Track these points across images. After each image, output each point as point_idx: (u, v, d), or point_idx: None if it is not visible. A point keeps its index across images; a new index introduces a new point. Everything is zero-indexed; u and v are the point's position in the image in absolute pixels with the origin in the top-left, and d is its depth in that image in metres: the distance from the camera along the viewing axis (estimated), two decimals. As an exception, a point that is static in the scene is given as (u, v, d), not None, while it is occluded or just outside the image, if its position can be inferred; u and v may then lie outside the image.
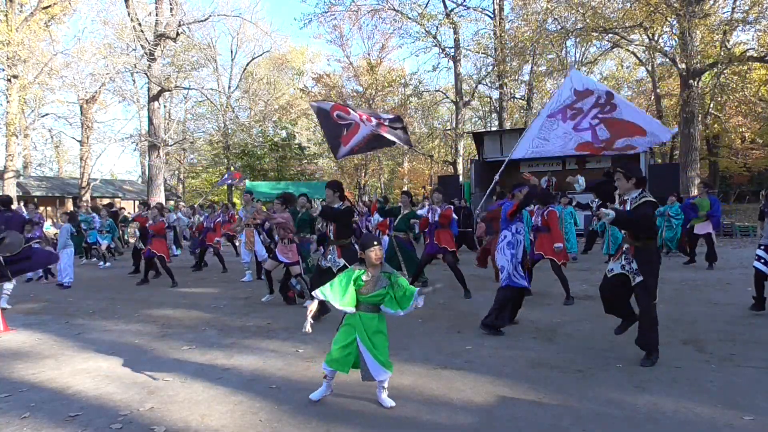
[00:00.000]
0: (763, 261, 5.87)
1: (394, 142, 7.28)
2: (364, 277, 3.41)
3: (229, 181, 17.39)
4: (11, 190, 21.10)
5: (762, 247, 5.92)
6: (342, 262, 5.58)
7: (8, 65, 19.78)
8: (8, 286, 6.96)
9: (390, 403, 3.40)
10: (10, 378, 4.14)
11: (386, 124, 7.04)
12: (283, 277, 6.96)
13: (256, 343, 5.03)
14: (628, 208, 4.11)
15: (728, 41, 19.58)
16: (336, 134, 7.05)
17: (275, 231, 7.35)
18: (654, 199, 4.09)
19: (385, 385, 3.44)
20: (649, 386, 3.63)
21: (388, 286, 3.41)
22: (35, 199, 24.28)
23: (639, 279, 4.04)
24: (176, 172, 39.61)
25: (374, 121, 6.97)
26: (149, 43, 20.20)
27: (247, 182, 27.08)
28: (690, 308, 6.16)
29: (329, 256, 5.76)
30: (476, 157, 20.40)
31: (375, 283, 3.41)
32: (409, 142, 7.73)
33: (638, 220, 3.99)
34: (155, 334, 5.48)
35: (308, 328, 3.37)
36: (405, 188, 34.28)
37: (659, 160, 26.21)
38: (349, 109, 7.13)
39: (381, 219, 10.09)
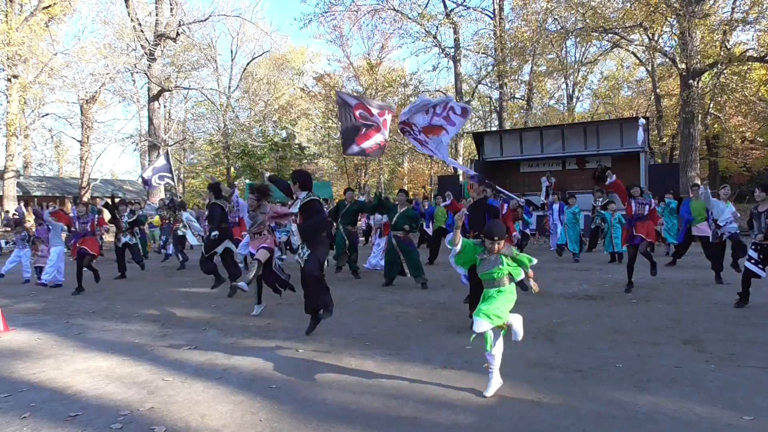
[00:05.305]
0: (753, 261, 6.04)
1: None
2: (482, 256, 3.72)
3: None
4: (11, 190, 21.10)
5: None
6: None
7: (8, 65, 19.80)
8: None
9: (489, 391, 3.52)
10: (10, 378, 4.14)
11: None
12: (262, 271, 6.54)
13: (256, 343, 5.02)
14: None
15: (728, 41, 19.56)
16: (352, 131, 7.25)
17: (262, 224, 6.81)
18: (317, 197, 5.11)
19: (493, 363, 3.55)
20: (649, 386, 3.62)
21: (502, 264, 3.63)
22: (35, 199, 24.29)
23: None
24: (176, 172, 39.58)
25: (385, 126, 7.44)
26: (149, 43, 20.20)
27: (247, 182, 27.07)
28: (690, 308, 6.16)
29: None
30: (476, 157, 20.39)
31: (490, 264, 3.67)
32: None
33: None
34: (155, 334, 5.48)
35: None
36: (404, 188, 34.32)
37: (659, 160, 26.17)
38: (373, 110, 7.27)
39: (386, 219, 10.03)
